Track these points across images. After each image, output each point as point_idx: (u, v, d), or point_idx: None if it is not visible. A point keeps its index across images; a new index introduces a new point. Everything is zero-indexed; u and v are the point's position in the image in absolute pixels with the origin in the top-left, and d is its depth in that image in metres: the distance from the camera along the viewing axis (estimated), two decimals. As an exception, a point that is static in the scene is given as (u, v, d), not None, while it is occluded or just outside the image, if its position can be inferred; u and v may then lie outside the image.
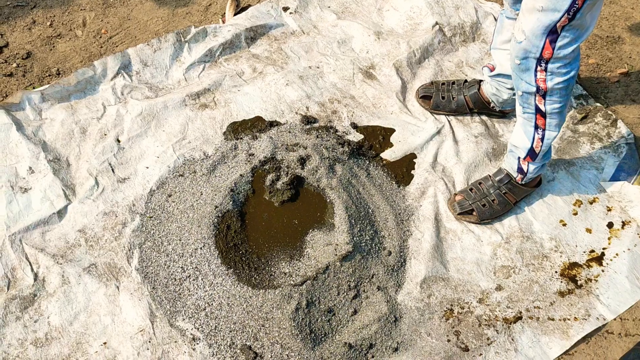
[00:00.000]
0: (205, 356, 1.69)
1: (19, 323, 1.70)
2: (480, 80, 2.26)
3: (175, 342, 1.71)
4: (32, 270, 1.79)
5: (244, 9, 2.57)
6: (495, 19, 2.60)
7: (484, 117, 2.31)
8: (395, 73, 2.38)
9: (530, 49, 1.59)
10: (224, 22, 2.52)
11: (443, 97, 2.26)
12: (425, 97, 2.30)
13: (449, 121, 2.27)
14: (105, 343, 1.70)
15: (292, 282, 1.76)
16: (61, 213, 1.91)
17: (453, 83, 2.29)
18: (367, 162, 2.11)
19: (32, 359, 1.65)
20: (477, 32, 2.57)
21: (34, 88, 2.24)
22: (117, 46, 2.41)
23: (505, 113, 2.29)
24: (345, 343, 1.71)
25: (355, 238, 1.85)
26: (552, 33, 1.53)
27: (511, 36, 1.74)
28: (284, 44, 2.46)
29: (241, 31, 2.42)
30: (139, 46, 2.32)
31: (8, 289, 1.75)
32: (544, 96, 1.70)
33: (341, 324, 1.76)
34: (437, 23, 2.52)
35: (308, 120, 2.19)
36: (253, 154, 2.03)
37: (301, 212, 1.94)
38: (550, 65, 1.61)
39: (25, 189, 1.95)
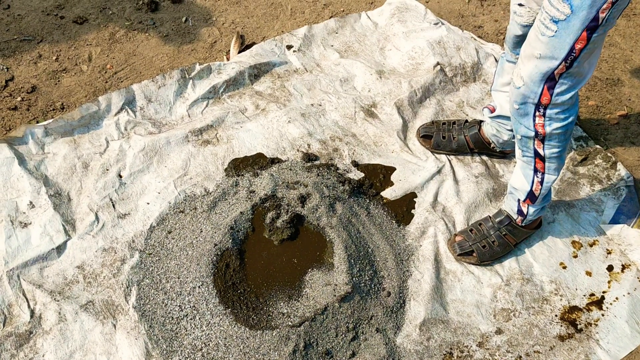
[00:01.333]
0: (201, 398, 1.67)
1: (13, 361, 1.68)
2: (481, 121, 2.27)
3: (171, 382, 1.69)
4: (28, 306, 1.78)
5: (248, 46, 2.61)
6: (496, 60, 2.63)
7: (485, 157, 2.32)
8: (396, 112, 2.40)
9: (528, 94, 1.61)
10: (228, 59, 2.56)
11: (444, 137, 2.28)
12: (426, 136, 2.31)
13: (449, 161, 2.28)
14: (100, 383, 1.68)
15: (290, 323, 1.75)
16: (60, 249, 1.91)
17: (454, 123, 2.31)
18: (368, 201, 2.12)
19: (26, 398, 1.63)
20: (478, 72, 2.60)
21: (37, 122, 2.26)
22: (122, 81, 2.44)
23: (505, 153, 2.31)
24: (343, 386, 1.70)
25: (354, 278, 1.85)
26: (550, 80, 1.54)
27: (511, 80, 1.76)
28: (287, 81, 2.49)
29: (245, 68, 2.45)
30: (144, 82, 2.35)
31: (4, 326, 1.74)
32: (542, 141, 1.71)
33: (339, 366, 1.74)
34: (438, 63, 2.55)
35: (309, 157, 2.20)
36: (254, 191, 2.04)
37: (300, 251, 1.93)
38: (548, 111, 1.63)
39: (25, 223, 1.95)
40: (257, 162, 2.18)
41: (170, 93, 2.36)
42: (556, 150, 1.74)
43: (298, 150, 2.24)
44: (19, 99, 2.33)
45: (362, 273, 1.88)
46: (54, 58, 2.49)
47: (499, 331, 1.90)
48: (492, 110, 2.15)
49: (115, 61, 2.51)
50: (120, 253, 1.92)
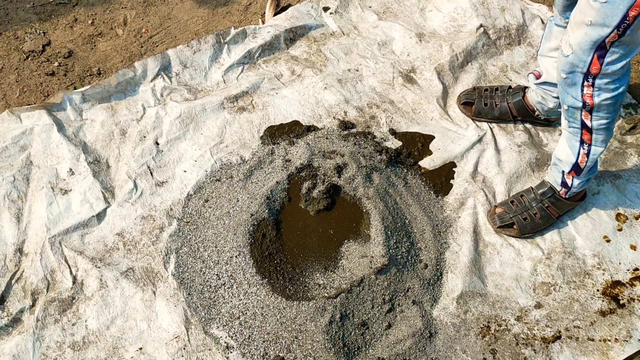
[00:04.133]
0: (239, 365, 1.71)
1: (57, 326, 1.73)
2: (525, 87, 2.19)
3: (210, 350, 1.72)
4: (70, 273, 1.82)
5: (284, 8, 2.54)
6: (543, 22, 2.51)
7: (528, 125, 2.24)
8: (436, 77, 2.32)
9: (577, 63, 1.53)
10: (263, 22, 2.50)
11: (485, 104, 2.20)
12: (467, 103, 2.24)
13: (491, 129, 2.21)
14: (141, 348, 1.72)
15: (326, 295, 1.75)
16: (100, 216, 1.94)
17: (496, 89, 2.22)
18: (405, 171, 2.08)
19: (70, 362, 1.68)
20: (523, 35, 2.49)
21: (75, 88, 2.27)
22: (157, 46, 2.41)
23: (550, 121, 2.22)
24: (379, 358, 1.70)
25: (391, 250, 1.83)
26: (601, 48, 1.46)
27: (559, 46, 1.67)
28: (323, 45, 2.43)
29: (280, 32, 2.40)
30: (179, 47, 2.32)
31: (47, 291, 1.79)
32: (590, 112, 1.64)
33: (375, 338, 1.74)
34: (481, 25, 2.44)
35: (346, 125, 2.16)
36: (290, 160, 2.02)
37: (337, 222, 1.92)
38: (597, 81, 1.55)
39: (66, 190, 1.97)
40: (292, 130, 2.15)
41: (206, 58, 2.32)
42: (604, 121, 1.66)
43: (334, 117, 2.20)
44: (56, 64, 2.33)
45: (399, 245, 1.86)
46: (90, 22, 2.47)
47: (538, 305, 1.87)
48: (538, 76, 2.06)
49: (150, 25, 2.49)
50: (159, 221, 1.94)
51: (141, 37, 2.44)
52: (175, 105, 2.17)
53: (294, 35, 2.43)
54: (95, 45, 2.41)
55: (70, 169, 2.01)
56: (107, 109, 2.17)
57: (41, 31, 2.43)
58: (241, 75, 2.32)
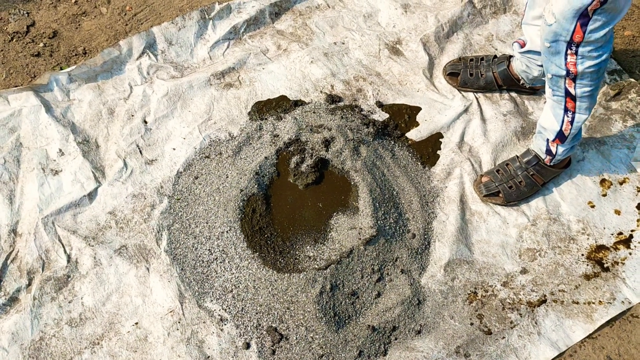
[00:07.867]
0: (233, 337, 1.75)
1: (54, 303, 1.77)
2: (510, 56, 2.20)
3: (204, 322, 1.76)
4: (65, 252, 1.85)
5: (268, -18, 2.53)
6: (528, -11, 2.50)
7: (514, 94, 2.26)
8: (422, 48, 2.33)
9: (560, 32, 1.54)
10: (248, -4, 2.49)
11: (471, 74, 2.22)
12: (452, 74, 2.25)
13: (477, 98, 2.23)
14: (137, 323, 1.76)
15: (316, 266, 1.79)
16: (91, 195, 1.96)
17: (482, 59, 2.23)
18: (392, 143, 2.10)
19: (68, 339, 1.72)
20: (508, 3, 2.49)
21: (61, 68, 2.26)
22: (141, 23, 2.40)
23: (535, 90, 2.24)
24: (369, 326, 1.74)
25: (379, 222, 1.86)
26: (583, 16, 1.48)
27: (542, 15, 1.68)
28: (309, 18, 2.42)
29: (265, 6, 2.39)
30: (164, 24, 2.31)
31: (43, 271, 1.82)
32: (574, 80, 1.66)
33: (365, 306, 1.79)
34: (466, -6, 2.44)
35: (333, 99, 2.17)
36: (278, 135, 2.04)
37: (325, 195, 1.95)
38: (581, 49, 1.56)
39: (56, 171, 1.99)
40: (280, 105, 2.16)
41: (191, 35, 2.32)
42: (588, 89, 1.68)
43: (321, 91, 2.21)
44: (41, 45, 2.32)
45: (387, 216, 1.90)
46: (73, 1, 2.45)
47: (524, 271, 1.91)
48: (522, 45, 2.07)
49: (134, 2, 2.47)
50: (150, 199, 1.96)
51: (125, 15, 2.43)
52: (162, 83, 2.18)
53: (279, 9, 2.43)
54: (79, 25, 2.40)
55: (60, 150, 2.02)
56: (94, 89, 2.17)
57: (25, 12, 2.41)
58: (227, 51, 2.32)
